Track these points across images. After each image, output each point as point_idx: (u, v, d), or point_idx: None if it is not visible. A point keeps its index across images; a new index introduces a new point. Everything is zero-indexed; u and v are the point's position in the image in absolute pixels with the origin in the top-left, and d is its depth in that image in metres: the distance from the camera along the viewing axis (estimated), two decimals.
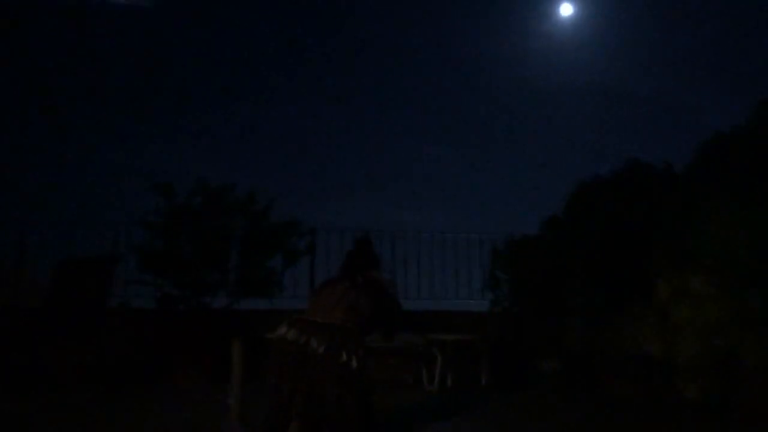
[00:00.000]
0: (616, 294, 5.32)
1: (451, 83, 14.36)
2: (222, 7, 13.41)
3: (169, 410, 4.84)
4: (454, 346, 6.95)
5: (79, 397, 5.58)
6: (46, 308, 7.04)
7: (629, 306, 5.06)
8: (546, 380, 6.32)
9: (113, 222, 7.74)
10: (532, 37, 13.99)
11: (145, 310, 7.39)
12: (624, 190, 5.68)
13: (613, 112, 13.26)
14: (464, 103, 14.15)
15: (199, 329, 7.15)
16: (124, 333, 7.20)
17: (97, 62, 11.83)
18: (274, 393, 3.47)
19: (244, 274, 7.41)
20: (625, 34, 13.39)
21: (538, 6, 14.03)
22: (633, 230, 5.34)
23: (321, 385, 3.31)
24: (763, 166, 4.45)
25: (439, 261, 9.00)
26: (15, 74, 11.06)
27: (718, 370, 4.17)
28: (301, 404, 3.33)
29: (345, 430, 3.31)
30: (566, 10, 13.18)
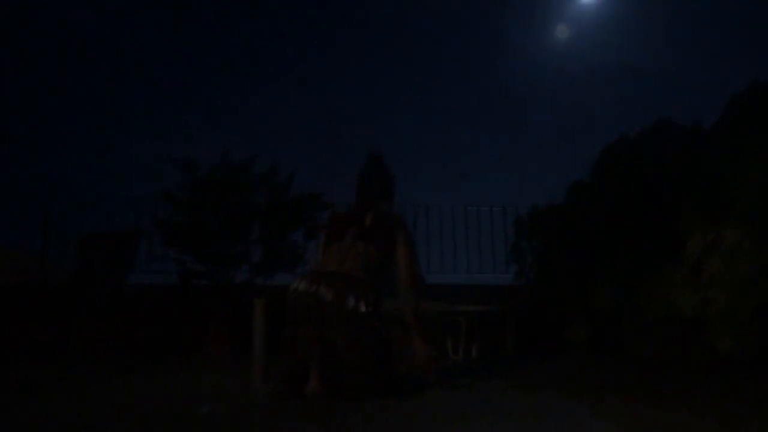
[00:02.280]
0: (644, 255, 5.18)
1: (472, 62, 14.19)
2: None
3: (195, 378, 4.84)
4: (479, 316, 6.86)
5: (105, 367, 5.61)
6: (71, 283, 7.10)
7: (658, 265, 4.91)
8: (574, 348, 6.20)
9: (137, 196, 7.78)
10: (556, 19, 13.78)
11: (168, 285, 7.42)
12: (652, 148, 5.53)
13: (636, 88, 13.00)
14: (486, 79, 13.98)
15: (222, 303, 7.16)
16: (148, 307, 7.25)
17: (116, 38, 11.91)
18: (291, 344, 3.45)
19: (267, 248, 7.40)
20: (645, 14, 13.12)
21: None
22: (661, 188, 5.19)
23: (332, 332, 3.31)
24: None
25: (462, 234, 8.93)
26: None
27: (752, 323, 4.03)
28: (316, 352, 3.31)
29: (359, 375, 3.27)
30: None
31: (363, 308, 3.29)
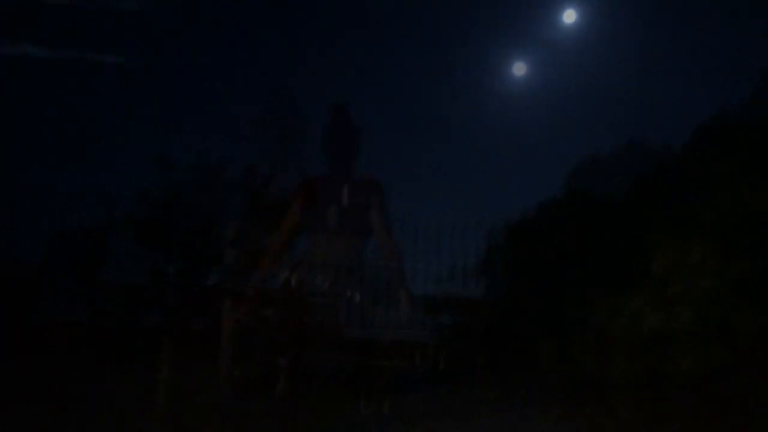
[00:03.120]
0: (613, 270, 5.29)
1: (451, 81, 14.38)
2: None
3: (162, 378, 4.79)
4: (448, 330, 6.90)
5: (71, 360, 5.53)
6: (39, 278, 6.99)
7: (627, 281, 5.02)
8: (541, 362, 6.27)
9: (109, 193, 7.68)
10: (529, 43, 14.04)
11: (137, 285, 7.34)
12: (622, 169, 5.66)
13: (609, 110, 13.31)
14: (463, 98, 14.17)
15: (192, 304, 7.10)
16: (117, 305, 7.16)
17: (94, 40, 11.84)
18: (266, 343, 3.42)
19: (241, 251, 7.37)
20: (619, 39, 13.45)
21: (541, 13, 14.09)
22: (631, 207, 5.32)
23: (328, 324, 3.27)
24: (759, 142, 4.44)
25: (434, 247, 8.96)
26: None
27: (714, 340, 4.14)
28: (291, 352, 3.28)
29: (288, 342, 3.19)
30: (569, 17, 13.26)
31: (357, 298, 3.31)
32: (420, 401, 3.48)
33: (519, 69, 13.70)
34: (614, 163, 5.83)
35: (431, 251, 8.95)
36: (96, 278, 7.09)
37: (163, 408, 2.97)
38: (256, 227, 7.36)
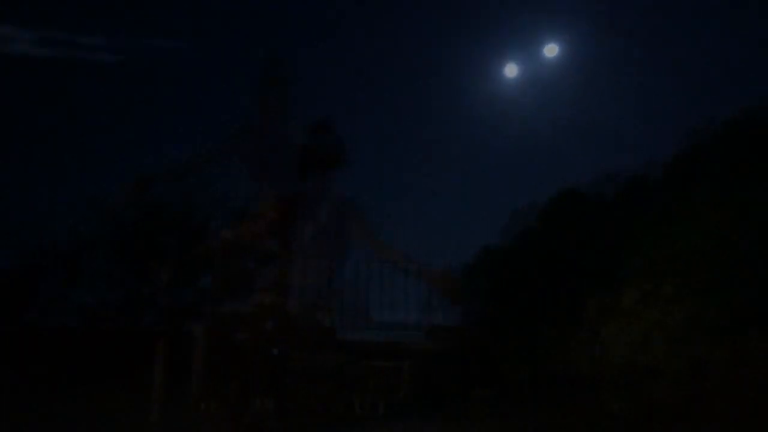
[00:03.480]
0: (548, 318, 5.39)
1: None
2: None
3: (86, 424, 4.59)
4: (387, 372, 6.85)
5: None
6: None
7: (561, 327, 5.12)
8: (479, 406, 6.27)
9: (39, 230, 7.40)
10: (478, 94, 14.45)
11: (67, 328, 7.05)
12: (557, 217, 5.82)
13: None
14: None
15: (124, 348, 6.86)
16: (43, 349, 6.85)
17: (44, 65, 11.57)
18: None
19: (175, 294, 7.19)
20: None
21: (483, 66, 14.57)
22: (566, 255, 5.45)
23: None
24: (685, 193, 4.65)
25: (376, 291, 8.95)
26: None
27: (643, 384, 4.23)
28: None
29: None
30: (511, 72, 13.73)
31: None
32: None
33: (452, 122, 14.07)
34: (549, 211, 5.99)
35: (372, 294, 8.94)
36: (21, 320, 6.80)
37: None
38: (194, 269, 7.21)
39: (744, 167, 4.53)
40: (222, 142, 3.28)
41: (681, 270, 4.19)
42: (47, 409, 5.45)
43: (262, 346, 2.83)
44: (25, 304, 6.91)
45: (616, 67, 13.51)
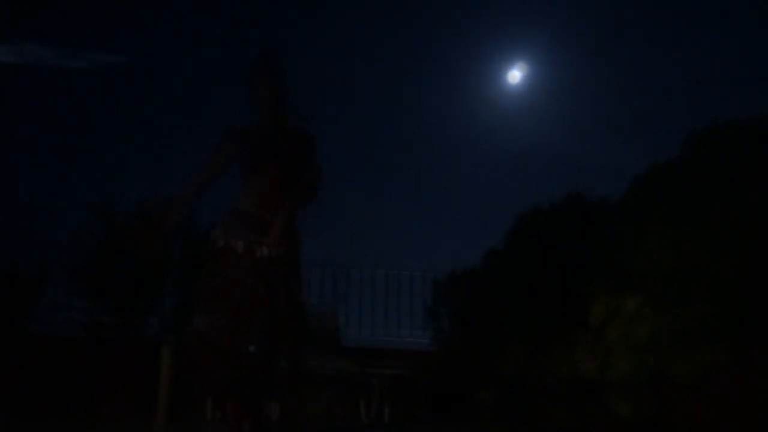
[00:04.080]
0: (552, 321, 5.37)
1: (391, 129, 14.62)
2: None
3: None
4: (393, 379, 6.83)
5: None
6: None
7: (565, 330, 5.10)
8: (483, 412, 6.25)
9: (43, 239, 7.42)
10: (477, 100, 14.47)
11: (72, 337, 7.05)
12: (561, 220, 5.81)
13: (548, 165, 13.73)
14: (405, 149, 14.40)
15: (129, 357, 6.85)
16: (48, 359, 6.84)
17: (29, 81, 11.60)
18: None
19: (179, 301, 7.19)
20: (557, 99, 14.01)
21: (487, 72, 14.59)
22: (568, 257, 5.43)
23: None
24: (689, 193, 4.64)
25: (381, 298, 8.94)
26: None
27: (649, 388, 4.21)
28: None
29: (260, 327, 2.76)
30: (513, 78, 13.74)
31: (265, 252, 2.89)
32: None
33: (460, 122, 14.06)
34: (554, 214, 5.98)
35: (378, 303, 8.94)
36: (25, 329, 6.79)
37: None
38: (194, 277, 7.20)
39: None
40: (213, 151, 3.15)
41: (688, 272, 4.17)
42: (50, 418, 5.44)
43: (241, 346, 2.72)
44: (27, 312, 6.91)
45: (623, 67, 13.52)
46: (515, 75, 13.63)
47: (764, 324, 3.92)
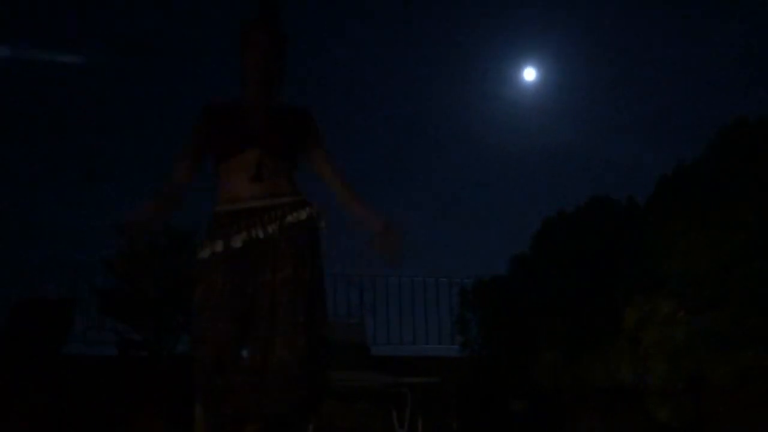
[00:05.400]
0: (584, 326, 5.31)
1: (414, 137, 14.63)
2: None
3: None
4: (424, 389, 6.80)
5: None
6: None
7: (598, 336, 5.04)
8: (516, 420, 6.20)
9: (73, 262, 7.55)
10: (496, 99, 14.43)
11: (104, 357, 7.14)
12: (588, 223, 5.76)
13: (574, 166, 13.64)
14: (429, 154, 14.39)
15: (161, 375, 6.90)
16: (82, 379, 6.92)
17: (51, 101, 11.79)
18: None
19: None
20: (582, 97, 13.93)
21: (500, 71, 14.55)
22: (599, 262, 5.38)
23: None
24: (721, 192, 4.57)
25: (408, 306, 8.92)
26: None
27: (688, 392, 4.15)
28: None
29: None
30: (529, 75, 13.68)
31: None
32: None
33: (481, 127, 14.03)
34: (580, 217, 5.93)
35: (405, 312, 8.92)
36: (60, 352, 6.87)
37: None
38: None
39: None
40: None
41: (722, 273, 4.11)
42: None
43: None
44: (65, 334, 7.00)
45: (643, 63, 13.42)
46: (531, 72, 13.59)
47: None
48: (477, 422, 7.05)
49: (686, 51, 12.96)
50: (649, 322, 4.46)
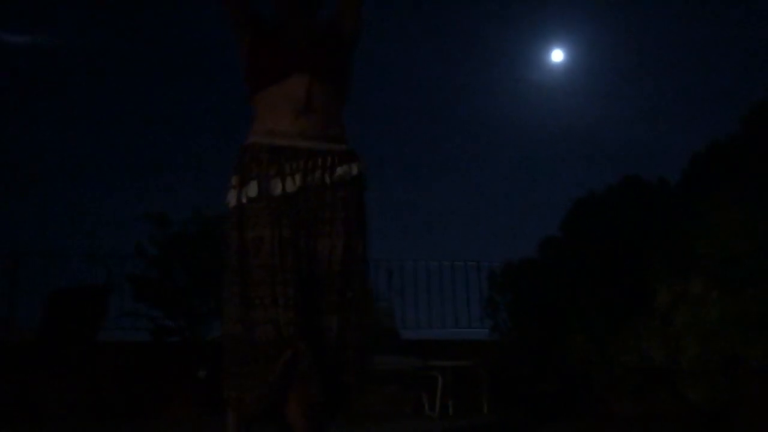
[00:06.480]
0: (615, 307, 5.25)
1: (441, 119, 14.52)
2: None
3: None
4: (455, 371, 6.82)
5: (67, 427, 5.43)
6: (38, 340, 6.93)
7: (629, 317, 4.98)
8: (546, 403, 6.17)
9: (107, 252, 7.72)
10: (523, 82, 14.25)
11: (138, 343, 7.29)
12: (620, 204, 5.67)
13: (604, 147, 13.43)
14: (456, 136, 14.29)
15: (193, 360, 7.03)
16: (117, 364, 7.08)
17: (86, 91, 11.97)
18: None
19: None
20: (611, 77, 13.68)
21: (528, 53, 14.36)
22: (629, 243, 5.30)
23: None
24: (757, 170, 4.46)
25: (437, 289, 8.93)
26: None
27: (722, 373, 4.08)
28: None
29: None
30: (557, 56, 13.49)
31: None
32: None
33: (508, 107, 13.87)
34: (610, 199, 5.84)
35: (434, 295, 8.93)
36: (95, 338, 7.05)
37: None
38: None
39: None
40: None
41: (756, 252, 4.02)
42: (122, 422, 5.61)
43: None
44: (100, 320, 7.17)
45: (673, 41, 13.11)
46: (559, 54, 13.38)
47: None
48: (507, 405, 7.04)
49: (715, 30, 12.62)
50: (681, 303, 4.38)
